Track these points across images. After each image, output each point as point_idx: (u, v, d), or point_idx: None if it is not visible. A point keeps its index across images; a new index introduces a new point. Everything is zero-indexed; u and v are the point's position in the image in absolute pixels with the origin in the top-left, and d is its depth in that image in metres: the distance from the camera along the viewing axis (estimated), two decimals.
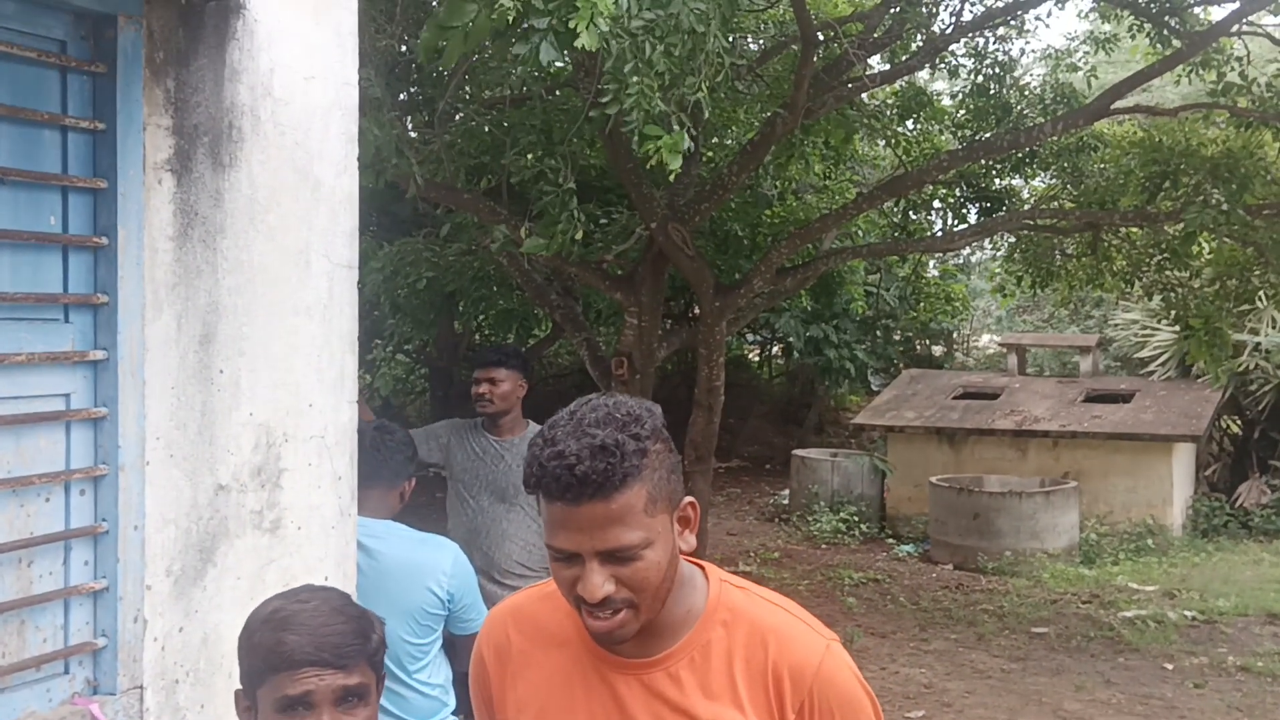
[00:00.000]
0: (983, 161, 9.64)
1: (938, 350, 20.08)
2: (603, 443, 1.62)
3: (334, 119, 3.04)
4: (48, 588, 2.43)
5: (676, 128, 4.63)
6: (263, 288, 2.83)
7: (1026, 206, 10.58)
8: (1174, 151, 8.65)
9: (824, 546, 11.93)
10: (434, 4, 7.36)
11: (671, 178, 5.35)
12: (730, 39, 6.66)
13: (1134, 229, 9.48)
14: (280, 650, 1.79)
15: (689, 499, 1.76)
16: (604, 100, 4.42)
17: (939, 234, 11.40)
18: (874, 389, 16.27)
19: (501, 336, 13.60)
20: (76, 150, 2.47)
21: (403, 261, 9.59)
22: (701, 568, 1.84)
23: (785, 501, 13.79)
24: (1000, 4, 8.62)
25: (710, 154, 9.53)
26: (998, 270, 12.62)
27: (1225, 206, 7.84)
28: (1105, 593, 9.79)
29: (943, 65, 9.99)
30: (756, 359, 19.67)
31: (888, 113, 10.10)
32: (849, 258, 10.68)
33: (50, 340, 2.43)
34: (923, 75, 12.27)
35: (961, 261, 19.22)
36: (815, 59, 7.44)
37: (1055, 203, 10.04)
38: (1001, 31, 9.21)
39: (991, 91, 9.37)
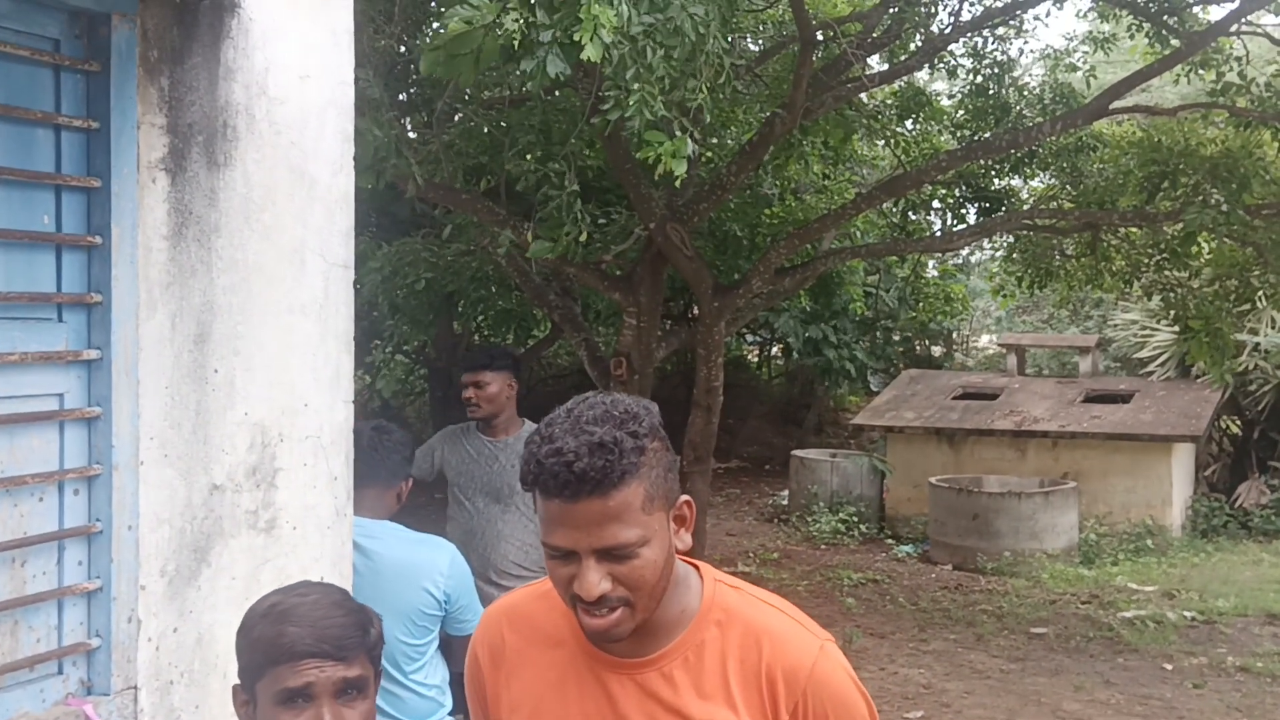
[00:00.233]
0: (982, 162, 9.63)
1: (937, 351, 20.07)
2: (601, 440, 1.62)
3: (330, 118, 3.03)
4: (41, 588, 2.43)
5: (679, 132, 4.63)
6: (258, 287, 2.82)
7: (1026, 207, 10.58)
8: (1173, 151, 8.65)
9: (823, 547, 11.92)
10: (432, 3, 7.36)
11: (678, 183, 5.35)
12: (729, 39, 6.66)
13: (1133, 229, 9.47)
14: (281, 642, 1.79)
15: (685, 498, 1.76)
16: (605, 107, 4.42)
17: (938, 234, 11.38)
18: (873, 389, 16.26)
19: (501, 337, 13.59)
20: (70, 149, 2.47)
21: (401, 262, 9.58)
22: (696, 567, 1.83)
23: (784, 502, 13.78)
24: (999, 4, 8.61)
25: (709, 154, 9.52)
26: (997, 270, 12.62)
27: (1224, 206, 7.84)
28: (1104, 593, 9.78)
29: (942, 65, 9.99)
30: (755, 359, 19.66)
31: (887, 113, 10.09)
32: (848, 258, 10.67)
33: (44, 339, 2.42)
34: (922, 75, 12.27)
35: (961, 262, 19.21)
36: (814, 59, 7.44)
37: (1054, 203, 10.03)
38: (1000, 31, 9.21)
39: (990, 91, 9.36)
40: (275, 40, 2.86)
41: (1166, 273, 9.74)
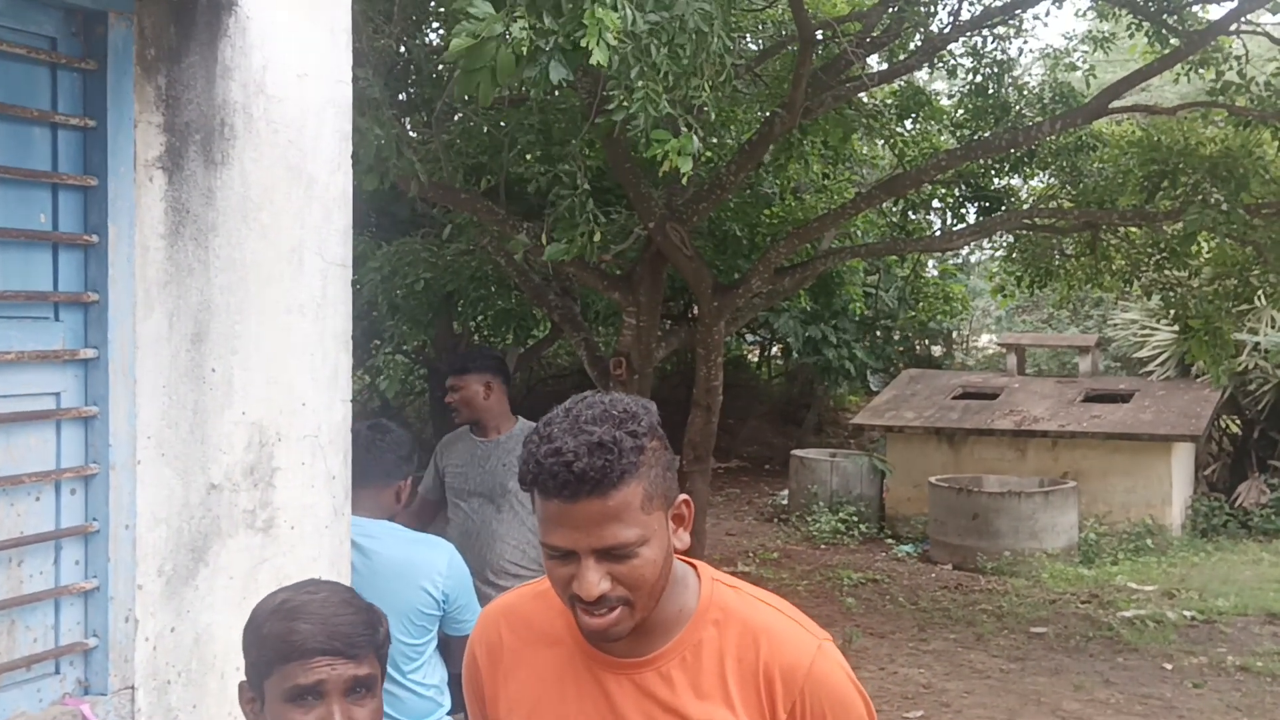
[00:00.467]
0: (981, 161, 9.62)
1: (937, 350, 20.06)
2: (600, 440, 1.62)
3: (328, 117, 3.03)
4: (38, 587, 2.42)
5: (684, 130, 4.63)
6: (255, 286, 2.81)
7: (1025, 206, 10.57)
8: (1172, 151, 8.64)
9: (823, 547, 11.91)
10: (431, 4, 7.35)
11: (684, 180, 5.33)
12: (729, 39, 6.65)
13: (1133, 228, 9.47)
14: (291, 639, 1.78)
15: (684, 497, 1.76)
16: (610, 107, 4.41)
17: (938, 234, 11.38)
18: (873, 389, 16.25)
19: (501, 337, 13.59)
20: (67, 147, 2.46)
21: (401, 262, 9.58)
22: (694, 567, 1.83)
23: (784, 502, 13.78)
24: (998, 3, 8.60)
25: (709, 154, 9.51)
26: (997, 270, 12.61)
27: (1224, 206, 7.83)
28: (1104, 592, 9.78)
29: (941, 65, 9.98)
30: (755, 359, 19.66)
31: (886, 112, 10.08)
32: (848, 257, 10.66)
33: (40, 338, 2.41)
34: (921, 75, 12.26)
35: (960, 261, 19.20)
36: (813, 58, 7.43)
37: (1054, 202, 10.03)
38: (1000, 31, 9.20)
39: (990, 91, 9.35)
40: (273, 39, 2.85)
41: (1166, 272, 9.74)
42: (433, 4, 7.43)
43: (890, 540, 12.29)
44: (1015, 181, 11.09)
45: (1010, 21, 9.11)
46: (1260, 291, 10.07)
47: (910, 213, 11.83)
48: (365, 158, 5.63)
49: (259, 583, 2.79)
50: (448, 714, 3.44)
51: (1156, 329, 13.76)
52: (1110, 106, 8.34)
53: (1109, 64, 12.25)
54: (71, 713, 2.42)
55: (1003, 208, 10.45)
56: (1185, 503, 12.45)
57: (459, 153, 7.67)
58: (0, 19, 2.34)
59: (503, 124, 7.85)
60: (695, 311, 10.43)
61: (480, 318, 13.17)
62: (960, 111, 10.01)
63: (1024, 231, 10.03)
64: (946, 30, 8.58)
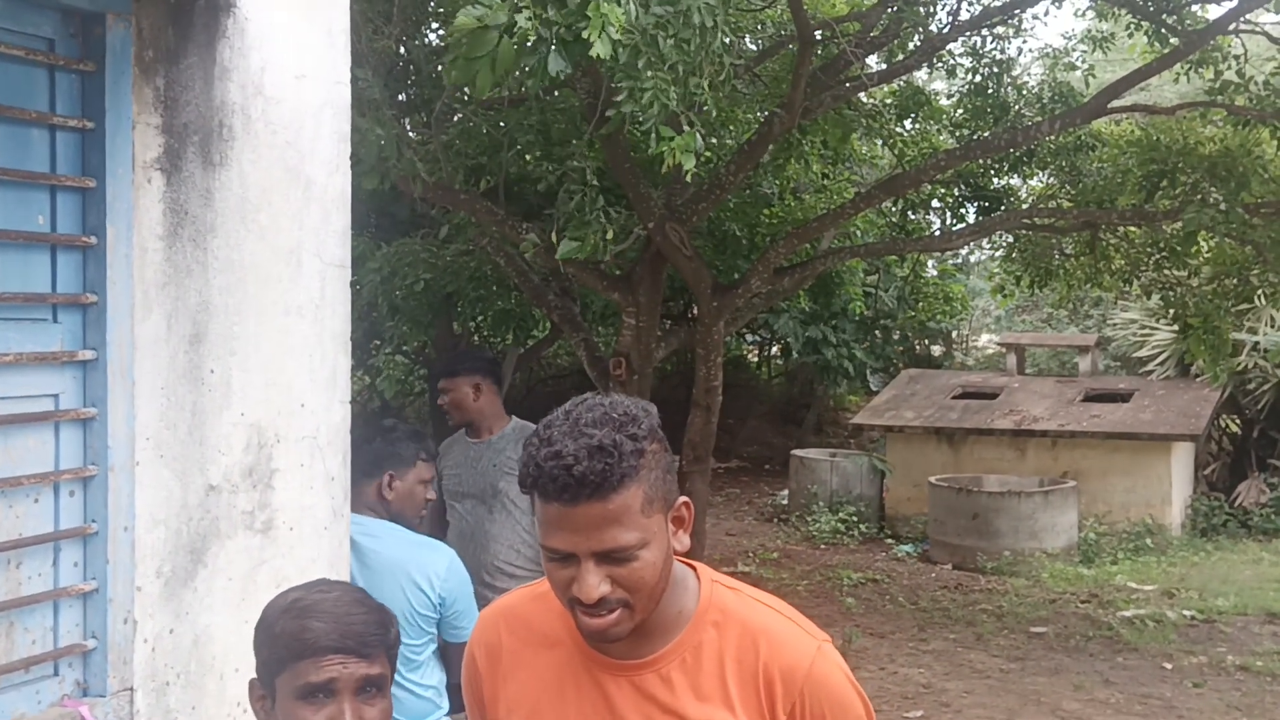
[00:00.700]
0: (981, 161, 9.62)
1: (937, 350, 20.05)
2: (600, 443, 1.61)
3: (326, 118, 3.03)
4: (37, 589, 2.42)
5: (687, 127, 4.62)
6: (254, 287, 2.81)
7: (1025, 206, 10.57)
8: (1172, 150, 8.63)
9: (823, 547, 11.91)
10: (431, 4, 7.35)
11: (688, 177, 5.30)
12: (729, 38, 6.65)
13: (1132, 228, 9.46)
14: (304, 637, 1.78)
15: (683, 499, 1.76)
16: (619, 99, 4.39)
17: (937, 233, 11.38)
18: (873, 389, 16.24)
19: (500, 337, 13.57)
20: (65, 149, 2.46)
21: (400, 262, 9.57)
22: (693, 568, 1.82)
23: (784, 502, 13.78)
24: (998, 3, 8.60)
25: (708, 154, 9.51)
26: (996, 270, 12.60)
27: (1223, 205, 7.83)
28: (1104, 592, 9.77)
29: (940, 64, 9.97)
30: (755, 359, 19.65)
31: (885, 112, 10.07)
32: (847, 257, 10.65)
33: (39, 340, 2.41)
34: (920, 74, 12.26)
35: (960, 261, 19.20)
36: (813, 58, 7.43)
37: (1053, 202, 10.02)
38: (999, 30, 9.19)
39: (989, 91, 9.34)
40: (271, 40, 2.85)
41: (1166, 271, 9.74)
42: (432, 4, 7.43)
43: (890, 540, 12.29)
44: (1015, 181, 11.08)
45: (1009, 21, 9.10)
46: (1260, 291, 10.07)
47: (910, 213, 11.82)
48: (366, 158, 5.63)
49: (258, 584, 2.79)
50: (447, 715, 3.44)
51: (1156, 328, 13.76)
52: (1109, 106, 8.34)
53: (1108, 64, 12.25)
54: (70, 714, 2.42)
55: (1002, 207, 10.44)
56: (1185, 502, 12.44)
57: (458, 153, 7.66)
58: None
59: (502, 124, 7.84)
60: (695, 311, 10.43)
61: (480, 318, 13.15)
62: (959, 111, 10.00)
63: (1023, 231, 10.02)
64: (946, 30, 8.58)
